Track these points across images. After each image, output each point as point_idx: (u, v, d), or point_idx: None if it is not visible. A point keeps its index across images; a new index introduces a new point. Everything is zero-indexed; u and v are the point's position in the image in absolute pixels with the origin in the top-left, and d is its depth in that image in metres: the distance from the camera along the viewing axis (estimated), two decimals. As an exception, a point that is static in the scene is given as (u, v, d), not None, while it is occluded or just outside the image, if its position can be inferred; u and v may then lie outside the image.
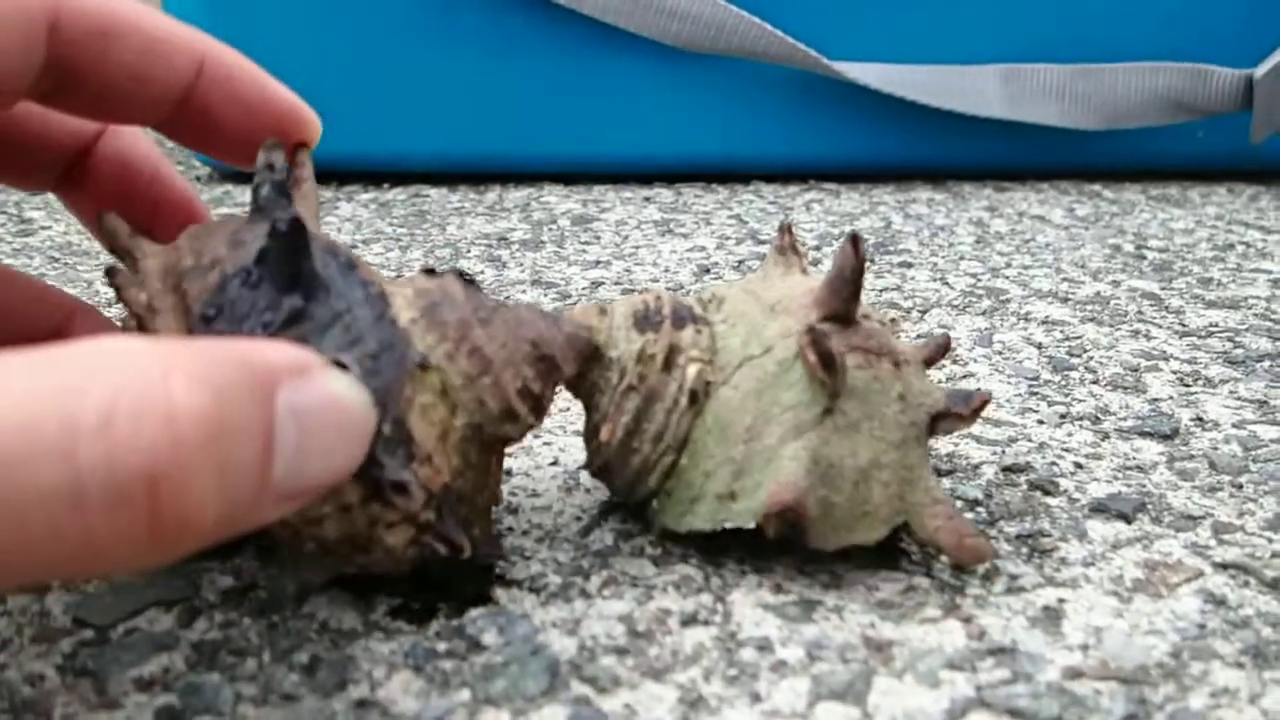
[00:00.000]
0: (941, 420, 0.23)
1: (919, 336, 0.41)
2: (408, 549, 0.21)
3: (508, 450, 0.29)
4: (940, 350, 0.24)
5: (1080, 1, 0.69)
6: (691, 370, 0.23)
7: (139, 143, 0.26)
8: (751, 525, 0.23)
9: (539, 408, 0.22)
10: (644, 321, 0.24)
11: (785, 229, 0.26)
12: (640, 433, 0.24)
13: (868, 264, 0.51)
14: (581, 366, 0.23)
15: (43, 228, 0.58)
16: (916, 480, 0.23)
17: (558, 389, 0.23)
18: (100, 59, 0.22)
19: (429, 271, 0.23)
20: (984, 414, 0.34)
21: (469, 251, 0.54)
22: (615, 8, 0.66)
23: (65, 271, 0.49)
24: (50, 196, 0.65)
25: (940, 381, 0.37)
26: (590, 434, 0.25)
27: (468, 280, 0.23)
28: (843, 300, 0.23)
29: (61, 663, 0.21)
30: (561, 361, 0.23)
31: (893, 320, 0.25)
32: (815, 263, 0.53)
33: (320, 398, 0.17)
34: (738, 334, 0.24)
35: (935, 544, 0.23)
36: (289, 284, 0.20)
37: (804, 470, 0.22)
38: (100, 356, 0.14)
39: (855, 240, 0.22)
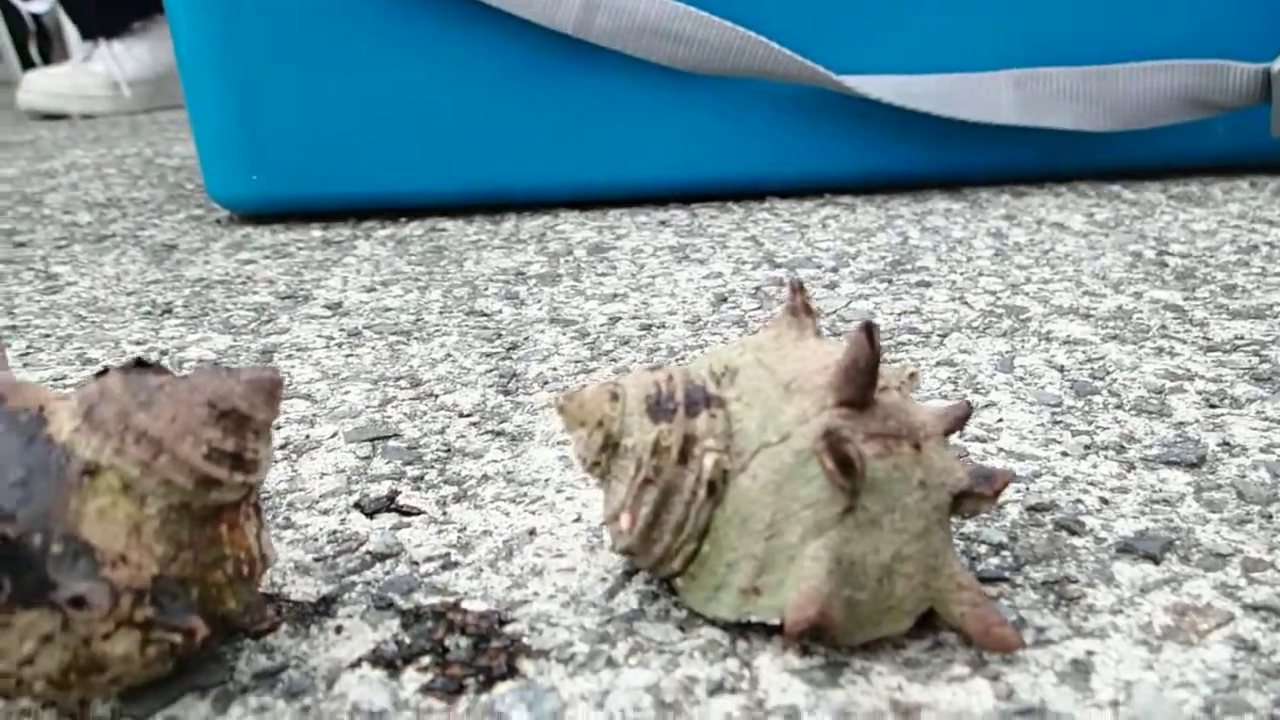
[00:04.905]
0: (964, 499, 0.23)
1: (939, 364, 0.41)
2: (146, 650, 0.21)
3: (532, 505, 0.29)
4: (960, 421, 0.24)
5: (1091, 3, 0.68)
6: (708, 461, 0.23)
7: None
8: (775, 621, 0.23)
9: (242, 463, 0.22)
10: (657, 409, 0.24)
11: (796, 288, 0.26)
12: (660, 524, 0.24)
13: (886, 284, 0.51)
14: (275, 405, 0.23)
15: (69, 283, 0.59)
16: (941, 567, 0.23)
17: (268, 436, 0.23)
18: None
19: (101, 372, 0.23)
20: (1007, 447, 0.34)
21: (486, 289, 0.54)
22: (623, 36, 0.66)
23: (92, 330, 0.50)
24: (76, 249, 0.67)
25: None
26: (610, 518, 0.25)
27: (138, 364, 0.23)
28: (858, 389, 0.23)
29: (103, 756, 0.21)
30: (249, 410, 0.22)
31: (911, 376, 0.25)
32: (832, 285, 0.53)
33: None
34: (754, 416, 0.24)
35: (962, 630, 0.23)
36: None
37: (826, 573, 0.22)
38: None
39: (870, 330, 0.22)
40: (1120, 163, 0.73)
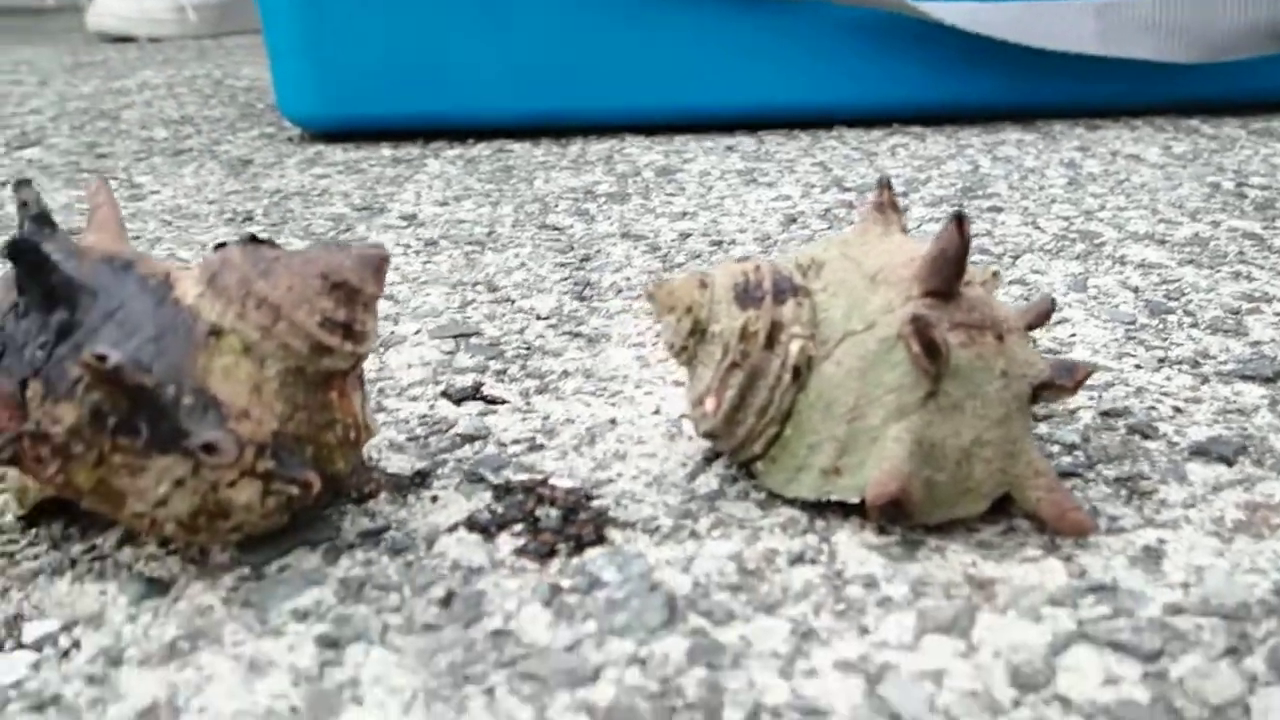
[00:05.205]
0: (1044, 390, 0.24)
1: (1011, 283, 0.41)
2: (266, 500, 0.22)
3: (612, 398, 0.30)
4: (1043, 316, 0.25)
5: (1180, -73, 0.66)
6: (794, 347, 0.24)
7: None
8: (856, 500, 0.24)
9: (353, 333, 0.23)
10: (745, 296, 0.25)
11: (884, 185, 0.26)
12: (745, 406, 0.25)
13: (957, 208, 0.51)
14: (382, 280, 0.24)
15: (152, 192, 0.61)
16: (1018, 453, 0.24)
17: (374, 310, 0.24)
18: None
19: (219, 246, 0.24)
20: (1080, 360, 0.34)
21: (557, 206, 0.55)
22: (694, -45, 0.66)
23: (179, 234, 0.52)
24: (156, 161, 0.69)
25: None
26: (695, 402, 0.26)
27: (252, 240, 0.24)
28: (945, 279, 0.23)
29: (226, 596, 0.23)
30: (359, 283, 0.23)
31: (994, 274, 0.25)
32: (905, 209, 0.53)
33: None
34: (839, 305, 0.25)
35: (1037, 515, 0.24)
36: (49, 302, 0.22)
37: (907, 453, 0.23)
38: None
39: (960, 220, 0.23)
40: (1199, 97, 0.71)
